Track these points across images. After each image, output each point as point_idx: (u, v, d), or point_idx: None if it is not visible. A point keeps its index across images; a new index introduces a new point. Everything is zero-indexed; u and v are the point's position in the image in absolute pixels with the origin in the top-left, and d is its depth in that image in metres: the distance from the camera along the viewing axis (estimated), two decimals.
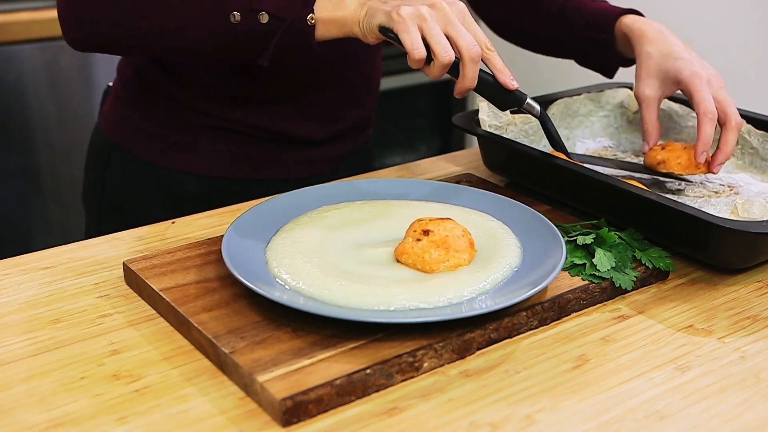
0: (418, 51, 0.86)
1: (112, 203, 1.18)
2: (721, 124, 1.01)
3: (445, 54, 0.86)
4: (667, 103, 1.18)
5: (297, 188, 0.95)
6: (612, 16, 1.13)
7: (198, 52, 0.97)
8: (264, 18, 0.92)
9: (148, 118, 1.14)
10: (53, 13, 1.03)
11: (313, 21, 0.92)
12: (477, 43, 0.88)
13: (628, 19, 1.11)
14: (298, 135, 1.15)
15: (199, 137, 1.13)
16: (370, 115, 1.26)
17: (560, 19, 1.21)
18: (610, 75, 1.22)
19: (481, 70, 0.91)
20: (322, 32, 0.93)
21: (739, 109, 1.13)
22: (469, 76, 0.89)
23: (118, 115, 1.17)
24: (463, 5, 0.90)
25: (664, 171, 1.03)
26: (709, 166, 1.01)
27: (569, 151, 1.07)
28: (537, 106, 0.98)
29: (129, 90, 1.16)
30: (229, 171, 1.14)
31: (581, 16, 1.18)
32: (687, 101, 1.17)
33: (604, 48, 1.16)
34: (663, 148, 1.05)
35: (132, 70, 1.15)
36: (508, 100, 0.94)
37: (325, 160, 1.19)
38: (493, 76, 0.93)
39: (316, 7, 0.92)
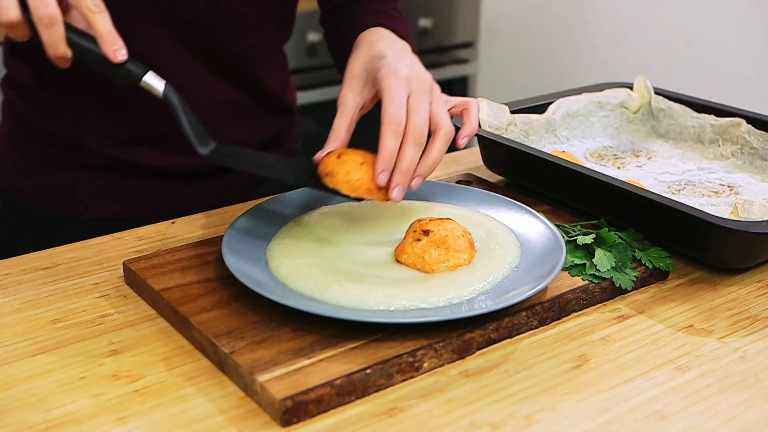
0: None
1: (2, 246, 1.08)
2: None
3: None
4: (667, 103, 1.18)
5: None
6: (362, 26, 0.97)
7: None
8: None
9: (26, 157, 1.07)
10: None
11: None
12: (75, 1, 0.75)
13: (370, 30, 0.95)
14: (186, 168, 1.07)
15: (78, 176, 1.05)
16: (284, 127, 1.16)
17: (336, 28, 1.08)
18: None
19: (87, 35, 0.76)
20: None
21: (739, 109, 1.13)
22: (45, 41, 0.74)
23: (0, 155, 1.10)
24: None
25: (331, 186, 0.81)
26: (388, 189, 0.80)
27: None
28: (160, 87, 0.80)
29: (9, 127, 1.09)
30: (114, 211, 1.05)
31: (342, 26, 1.05)
32: (686, 101, 1.18)
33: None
34: (339, 156, 0.82)
35: (9, 108, 1.08)
36: (118, 74, 0.78)
37: (233, 185, 1.10)
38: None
39: None
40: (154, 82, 0.80)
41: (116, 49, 0.76)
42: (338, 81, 0.93)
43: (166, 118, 0.94)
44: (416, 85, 0.83)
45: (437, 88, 0.87)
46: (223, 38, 1.02)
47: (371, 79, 0.86)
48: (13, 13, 0.73)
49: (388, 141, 0.80)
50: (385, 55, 0.86)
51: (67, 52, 0.75)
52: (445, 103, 0.88)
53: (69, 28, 0.75)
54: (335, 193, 0.81)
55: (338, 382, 0.66)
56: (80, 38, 0.76)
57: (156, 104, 0.98)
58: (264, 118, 1.13)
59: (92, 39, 0.76)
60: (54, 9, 0.72)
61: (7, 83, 1.09)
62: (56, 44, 0.74)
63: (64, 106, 1.03)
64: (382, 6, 1.07)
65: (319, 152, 0.85)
